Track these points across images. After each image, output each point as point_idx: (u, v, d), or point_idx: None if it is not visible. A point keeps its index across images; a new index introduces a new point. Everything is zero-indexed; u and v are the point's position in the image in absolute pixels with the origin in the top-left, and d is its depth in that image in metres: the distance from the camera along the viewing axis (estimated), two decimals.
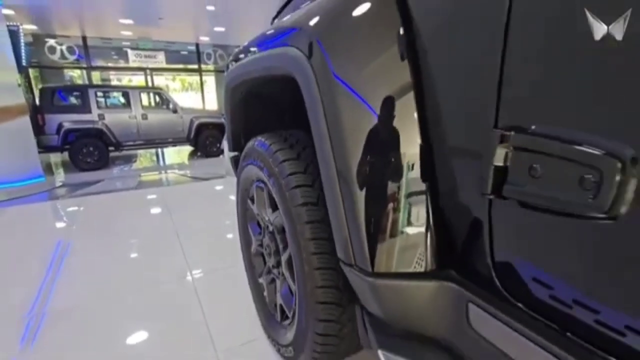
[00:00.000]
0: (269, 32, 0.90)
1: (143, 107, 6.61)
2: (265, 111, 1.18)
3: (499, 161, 0.44)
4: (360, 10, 0.60)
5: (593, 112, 0.37)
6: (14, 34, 5.76)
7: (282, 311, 1.09)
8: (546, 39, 0.40)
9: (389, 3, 0.57)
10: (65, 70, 9.64)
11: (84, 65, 9.28)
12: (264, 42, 0.90)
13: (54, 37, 8.77)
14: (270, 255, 1.10)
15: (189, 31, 8.47)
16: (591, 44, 0.35)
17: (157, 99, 6.92)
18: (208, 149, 6.72)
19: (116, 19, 6.93)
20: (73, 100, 6.21)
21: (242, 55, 1.07)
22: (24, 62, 6.01)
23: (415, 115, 0.56)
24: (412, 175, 0.57)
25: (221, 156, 6.49)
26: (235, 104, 1.20)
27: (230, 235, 2.29)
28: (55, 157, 7.01)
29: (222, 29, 8.10)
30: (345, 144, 0.59)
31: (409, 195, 0.57)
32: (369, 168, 0.58)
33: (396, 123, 0.56)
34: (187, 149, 7.48)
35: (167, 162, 6.86)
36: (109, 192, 3.99)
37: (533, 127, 0.41)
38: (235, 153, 1.36)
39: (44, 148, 5.95)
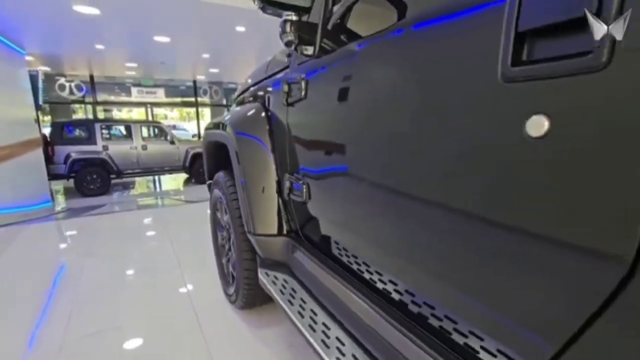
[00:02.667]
0: (220, 120, 1.70)
1: (143, 139, 7.33)
2: (224, 157, 1.95)
3: (288, 184, 1.20)
4: (248, 118, 1.40)
5: (291, 171, 1.14)
6: (33, 78, 6.63)
7: (232, 276, 1.80)
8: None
9: (261, 117, 1.36)
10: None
11: (91, 101, 10.19)
12: (217, 125, 1.71)
13: (64, 76, 9.72)
14: (226, 243, 1.83)
15: (187, 71, 9.50)
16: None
17: (157, 131, 7.73)
18: (201, 177, 7.44)
19: (122, 63, 7.89)
20: (80, 133, 6.86)
21: (210, 128, 1.86)
22: (40, 102, 6.89)
23: (272, 158, 1.33)
24: (274, 187, 1.33)
25: None
26: (209, 152, 1.97)
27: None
28: (56, 184, 7.62)
29: (216, 70, 9.13)
30: (241, 167, 1.35)
31: (271, 196, 1.33)
32: (252, 181, 1.34)
33: (259, 158, 1.34)
34: (182, 176, 8.22)
35: (163, 188, 7.56)
36: (112, 212, 4.68)
37: (292, 175, 1.19)
38: (210, 181, 2.12)
39: (52, 176, 6.52)
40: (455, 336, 0.64)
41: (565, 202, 0.42)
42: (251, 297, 1.62)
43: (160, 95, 11.01)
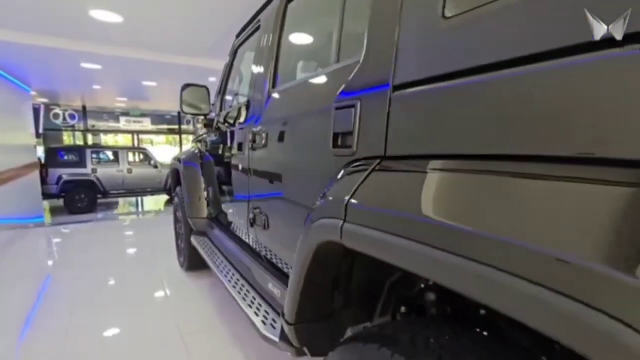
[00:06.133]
0: (180, 156, 2.89)
1: (129, 163, 8.28)
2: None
3: (206, 192, 2.38)
4: (191, 154, 2.61)
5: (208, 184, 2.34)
6: (36, 111, 7.73)
7: (182, 250, 2.92)
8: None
9: (198, 154, 2.57)
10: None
11: (82, 128, 11.25)
12: (176, 158, 2.90)
13: (59, 106, 10.80)
14: (180, 230, 2.97)
15: (173, 104, 10.76)
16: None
17: (142, 156, 8.74)
18: None
19: (114, 97, 9.09)
20: (73, 157, 7.74)
21: (174, 160, 3.05)
22: (41, 131, 7.95)
23: (202, 178, 2.52)
24: (203, 193, 2.51)
25: None
26: (172, 175, 3.15)
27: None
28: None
29: None
30: (184, 184, 2.53)
31: (202, 198, 2.50)
32: (192, 194, 2.51)
33: (195, 177, 2.52)
34: (164, 197, 9.20)
35: (146, 208, 8.52)
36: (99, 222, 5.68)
37: (208, 186, 2.37)
38: (174, 193, 3.28)
39: (45, 195, 7.28)
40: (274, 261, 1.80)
41: None
42: (191, 260, 2.75)
43: (146, 124, 12.18)
